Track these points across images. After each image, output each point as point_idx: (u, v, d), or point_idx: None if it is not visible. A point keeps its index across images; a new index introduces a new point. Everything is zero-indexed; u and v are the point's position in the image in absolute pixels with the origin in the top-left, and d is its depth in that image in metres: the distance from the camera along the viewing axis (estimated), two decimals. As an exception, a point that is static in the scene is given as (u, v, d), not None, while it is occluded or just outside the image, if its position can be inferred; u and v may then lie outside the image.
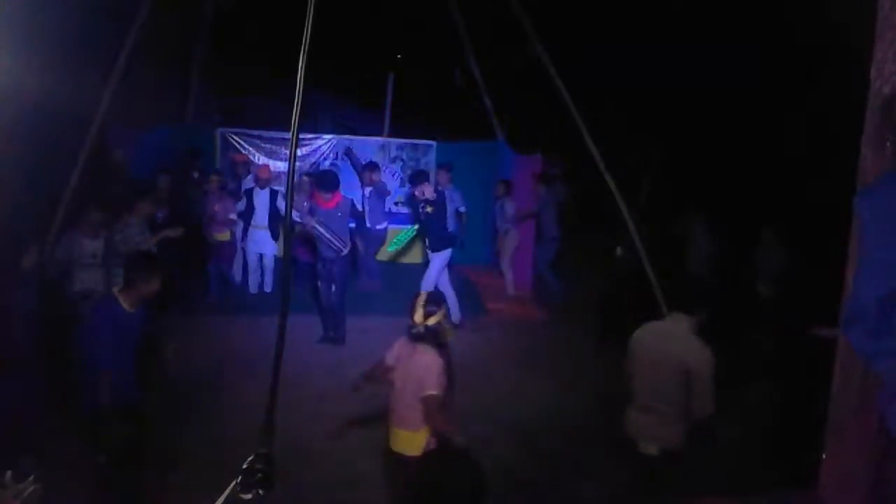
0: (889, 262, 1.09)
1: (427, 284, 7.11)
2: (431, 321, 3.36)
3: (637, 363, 3.63)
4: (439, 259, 7.37)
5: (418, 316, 3.36)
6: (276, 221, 8.18)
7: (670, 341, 3.51)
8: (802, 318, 4.34)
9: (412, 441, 3.38)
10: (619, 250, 8.78)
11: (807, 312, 4.22)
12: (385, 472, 3.70)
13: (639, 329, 3.71)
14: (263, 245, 8.35)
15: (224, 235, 8.06)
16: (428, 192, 7.33)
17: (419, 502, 2.90)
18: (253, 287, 8.46)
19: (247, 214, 8.26)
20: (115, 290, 3.82)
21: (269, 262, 8.41)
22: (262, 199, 8.24)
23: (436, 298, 3.49)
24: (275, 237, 8.31)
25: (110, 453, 3.65)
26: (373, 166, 8.90)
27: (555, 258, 9.21)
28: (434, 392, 3.28)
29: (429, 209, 7.28)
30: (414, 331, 3.37)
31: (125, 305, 3.70)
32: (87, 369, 3.62)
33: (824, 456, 1.96)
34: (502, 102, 10.05)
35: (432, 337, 3.37)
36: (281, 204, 8.18)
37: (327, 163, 9.94)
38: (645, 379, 3.56)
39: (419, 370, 3.32)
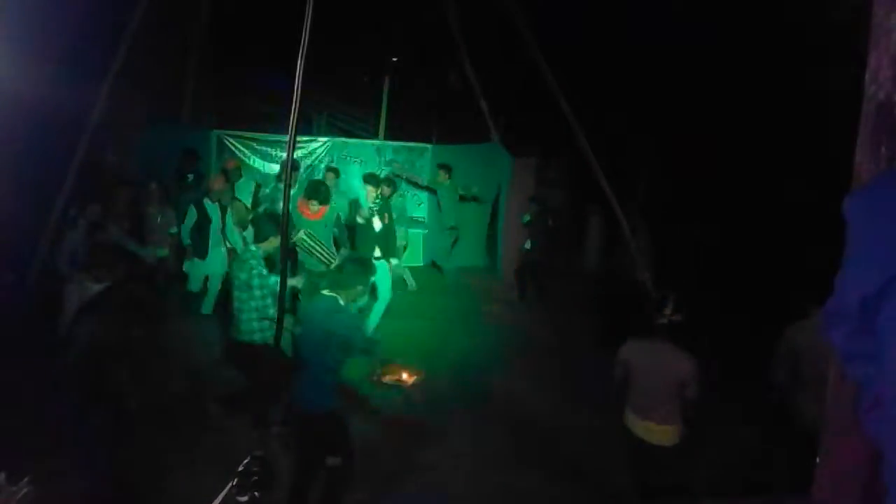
0: (876, 260, 1.09)
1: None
2: (675, 317, 3.81)
3: (806, 359, 4.00)
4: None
5: (668, 310, 3.81)
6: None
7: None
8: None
9: (665, 433, 3.77)
10: (528, 243, 8.82)
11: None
12: (633, 460, 4.01)
13: (792, 328, 4.12)
14: (212, 265, 7.28)
15: (163, 251, 7.43)
16: None
17: (671, 489, 3.59)
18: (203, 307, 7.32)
19: (196, 229, 7.16)
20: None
21: (214, 285, 7.28)
22: (215, 213, 7.21)
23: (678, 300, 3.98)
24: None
25: (348, 452, 3.76)
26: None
27: (451, 248, 9.25)
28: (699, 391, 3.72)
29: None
30: (660, 320, 3.81)
31: None
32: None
33: (819, 458, 1.96)
34: (498, 104, 10.06)
35: (673, 331, 3.79)
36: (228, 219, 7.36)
37: (322, 165, 9.80)
38: (814, 371, 3.83)
39: (677, 371, 3.71)
